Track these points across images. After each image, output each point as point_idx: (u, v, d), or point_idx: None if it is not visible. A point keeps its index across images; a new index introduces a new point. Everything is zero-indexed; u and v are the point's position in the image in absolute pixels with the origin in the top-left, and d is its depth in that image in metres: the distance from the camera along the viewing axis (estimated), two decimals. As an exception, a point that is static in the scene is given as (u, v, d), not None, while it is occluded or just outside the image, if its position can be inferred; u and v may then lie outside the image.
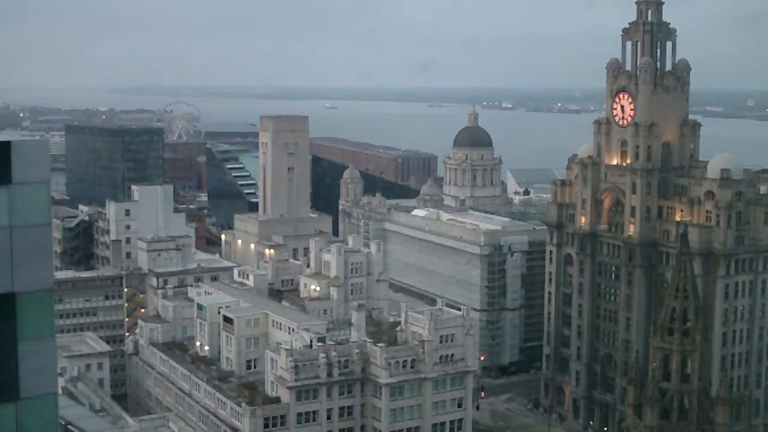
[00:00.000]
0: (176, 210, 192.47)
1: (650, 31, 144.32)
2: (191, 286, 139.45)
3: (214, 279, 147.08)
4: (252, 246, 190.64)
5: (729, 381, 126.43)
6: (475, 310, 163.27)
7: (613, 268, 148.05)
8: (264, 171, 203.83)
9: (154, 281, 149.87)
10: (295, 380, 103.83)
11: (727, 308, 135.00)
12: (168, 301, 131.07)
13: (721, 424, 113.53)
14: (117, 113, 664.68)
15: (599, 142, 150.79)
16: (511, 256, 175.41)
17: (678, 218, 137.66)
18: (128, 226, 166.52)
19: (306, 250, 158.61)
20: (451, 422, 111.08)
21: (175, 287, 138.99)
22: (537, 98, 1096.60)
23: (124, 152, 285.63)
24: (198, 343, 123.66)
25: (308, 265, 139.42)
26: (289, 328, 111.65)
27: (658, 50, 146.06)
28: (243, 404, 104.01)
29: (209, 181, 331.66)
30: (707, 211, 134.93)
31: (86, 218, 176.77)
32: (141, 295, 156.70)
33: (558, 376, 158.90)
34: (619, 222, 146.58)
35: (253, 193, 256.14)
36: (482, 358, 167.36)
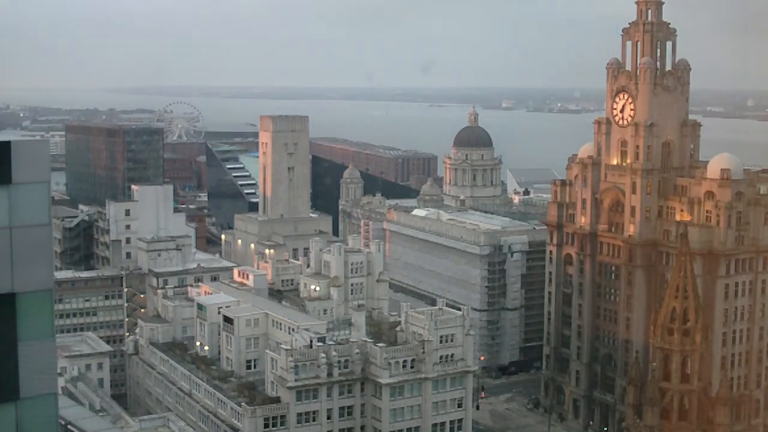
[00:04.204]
0: (176, 210, 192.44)
1: (650, 31, 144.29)
2: (191, 286, 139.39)
3: (214, 279, 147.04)
4: (252, 246, 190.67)
5: (729, 381, 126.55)
6: (475, 310, 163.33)
7: (613, 268, 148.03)
8: (264, 171, 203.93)
9: (154, 281, 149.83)
10: (295, 380, 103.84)
11: (727, 308, 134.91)
12: (168, 301, 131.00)
13: (721, 424, 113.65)
14: (117, 113, 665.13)
15: (599, 142, 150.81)
16: (511, 256, 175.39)
17: (678, 218, 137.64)
18: (128, 226, 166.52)
19: (306, 250, 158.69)
20: (451, 422, 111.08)
21: (175, 287, 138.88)
22: (537, 98, 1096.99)
23: (124, 152, 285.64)
24: (198, 343, 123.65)
25: (308, 265, 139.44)
26: (289, 328, 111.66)
27: (658, 50, 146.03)
28: (243, 404, 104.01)
29: (209, 181, 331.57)
30: (707, 211, 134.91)
31: (86, 218, 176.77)
32: (141, 295, 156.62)
33: (558, 376, 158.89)
34: (619, 222, 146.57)
35: (253, 193, 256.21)
36: (482, 358, 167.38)
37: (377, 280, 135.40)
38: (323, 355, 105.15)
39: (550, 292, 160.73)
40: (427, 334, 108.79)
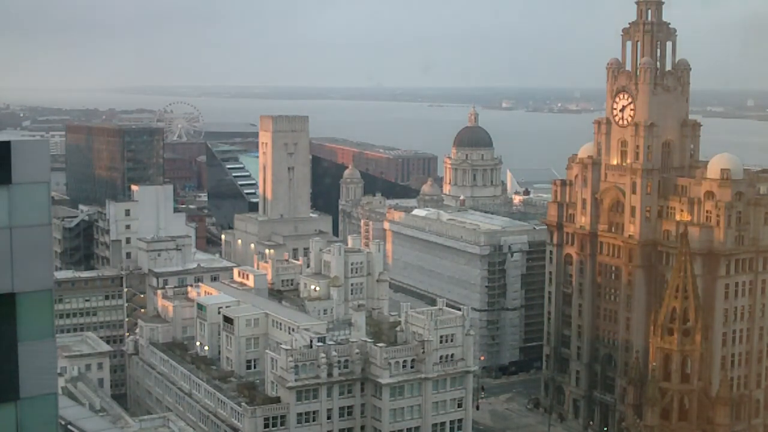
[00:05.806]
0: (176, 210, 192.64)
1: (650, 31, 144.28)
2: (191, 286, 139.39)
3: (214, 279, 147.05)
4: (252, 246, 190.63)
5: (729, 381, 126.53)
6: (475, 310, 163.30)
7: (613, 268, 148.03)
8: (264, 171, 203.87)
9: (154, 281, 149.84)
10: (295, 380, 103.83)
11: (727, 308, 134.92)
12: (168, 301, 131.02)
13: (721, 424, 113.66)
14: (117, 113, 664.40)
15: (599, 142, 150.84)
16: (511, 256, 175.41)
17: (678, 218, 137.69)
18: (128, 226, 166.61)
19: (306, 250, 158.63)
20: (451, 422, 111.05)
21: (175, 287, 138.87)
22: (537, 98, 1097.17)
23: (124, 152, 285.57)
24: (198, 343, 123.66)
25: (308, 265, 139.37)
26: (289, 328, 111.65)
27: (658, 50, 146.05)
28: (243, 404, 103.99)
29: (209, 181, 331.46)
30: (707, 211, 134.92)
31: (86, 218, 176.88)
32: (141, 295, 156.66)
33: (558, 376, 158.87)
34: (619, 222, 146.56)
35: (253, 193, 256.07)
36: (482, 358, 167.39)
37: (377, 280, 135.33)
38: (323, 355, 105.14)
39: (550, 292, 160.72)
40: (427, 334, 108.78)
